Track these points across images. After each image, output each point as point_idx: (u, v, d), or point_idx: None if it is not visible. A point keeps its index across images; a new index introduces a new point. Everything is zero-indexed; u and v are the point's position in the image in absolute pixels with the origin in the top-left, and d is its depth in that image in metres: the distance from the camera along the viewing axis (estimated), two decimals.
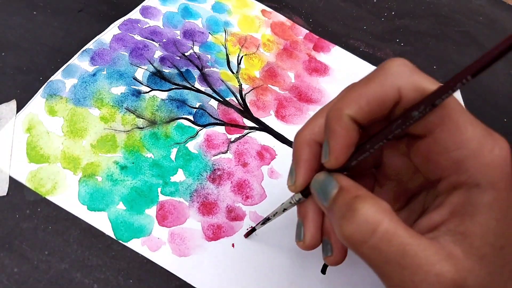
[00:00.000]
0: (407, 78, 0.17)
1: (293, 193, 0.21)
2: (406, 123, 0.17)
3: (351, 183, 0.18)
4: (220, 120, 0.32)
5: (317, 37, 0.39)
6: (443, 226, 0.17)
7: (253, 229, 0.27)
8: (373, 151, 0.18)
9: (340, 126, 0.18)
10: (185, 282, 0.25)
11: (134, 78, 0.32)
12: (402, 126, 0.17)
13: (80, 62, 0.32)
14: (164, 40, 0.35)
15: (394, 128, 0.17)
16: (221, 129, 0.31)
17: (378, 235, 0.16)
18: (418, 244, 0.16)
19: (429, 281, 0.15)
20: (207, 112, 0.32)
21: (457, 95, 0.38)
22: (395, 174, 0.21)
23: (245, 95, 0.34)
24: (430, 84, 0.17)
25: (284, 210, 0.23)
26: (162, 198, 0.28)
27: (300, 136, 0.20)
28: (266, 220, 0.25)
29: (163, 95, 0.32)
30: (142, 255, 0.26)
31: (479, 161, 0.16)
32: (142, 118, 0.31)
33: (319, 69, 0.37)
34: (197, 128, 0.31)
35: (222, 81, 0.34)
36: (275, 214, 0.24)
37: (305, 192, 0.20)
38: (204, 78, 0.34)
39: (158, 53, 0.34)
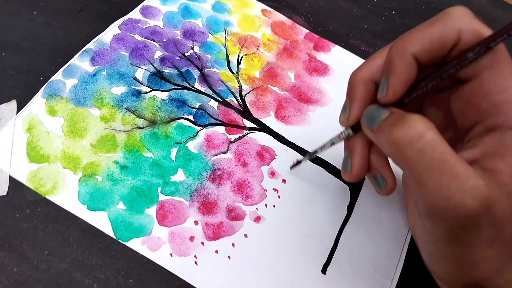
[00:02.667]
0: (468, 22, 0.19)
1: (343, 128, 0.24)
2: (461, 63, 0.18)
3: (400, 110, 0.19)
4: (220, 121, 0.32)
5: (318, 36, 0.39)
6: (474, 164, 0.19)
7: (298, 162, 0.29)
8: (426, 89, 0.19)
9: (402, 63, 0.19)
10: (185, 281, 0.26)
11: (134, 78, 0.32)
12: (456, 66, 0.18)
13: (81, 62, 0.32)
14: (164, 40, 0.35)
15: (449, 68, 0.19)
16: (221, 129, 0.32)
17: (425, 141, 0.17)
18: (458, 157, 0.17)
19: (465, 189, 0.16)
20: (207, 113, 0.32)
21: None
22: None
23: (245, 96, 0.34)
24: (487, 31, 0.18)
25: (332, 144, 0.25)
26: (162, 197, 0.28)
27: (357, 74, 0.22)
28: (314, 153, 0.27)
29: (163, 95, 0.32)
30: (142, 255, 0.26)
31: None
32: (142, 118, 0.31)
33: (319, 69, 0.37)
34: (197, 128, 0.31)
35: (222, 81, 0.34)
36: (322, 147, 0.26)
37: (356, 127, 0.22)
38: (204, 78, 0.34)
39: (158, 53, 0.34)
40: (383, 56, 0.21)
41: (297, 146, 0.32)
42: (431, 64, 0.19)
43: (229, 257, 0.27)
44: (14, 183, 0.27)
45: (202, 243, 0.27)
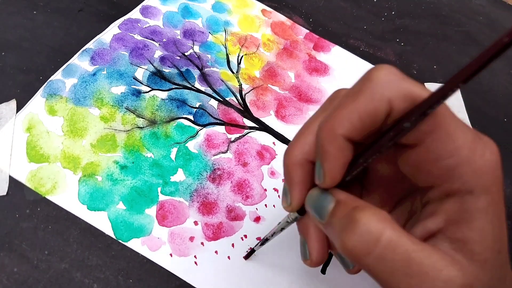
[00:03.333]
0: (396, 88, 0.16)
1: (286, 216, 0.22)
2: (398, 134, 0.16)
3: (347, 195, 0.17)
4: (220, 120, 0.32)
5: (317, 36, 0.39)
6: (440, 234, 0.17)
7: (252, 251, 0.27)
8: (367, 165, 0.18)
9: (333, 148, 0.17)
10: (184, 281, 0.25)
11: (134, 78, 0.32)
12: (394, 138, 0.16)
13: (80, 61, 0.32)
14: (164, 39, 0.35)
15: (386, 141, 0.17)
16: (221, 128, 0.31)
17: (382, 245, 0.15)
18: (422, 250, 0.15)
19: (442, 282, 0.15)
20: (207, 112, 0.32)
21: (457, 94, 0.38)
22: (382, 180, 0.21)
23: (245, 95, 0.34)
24: (420, 91, 0.16)
25: (282, 229, 0.23)
26: (162, 197, 0.28)
27: (290, 157, 0.19)
28: (265, 240, 0.24)
29: (163, 94, 0.32)
30: (142, 255, 0.26)
31: (471, 167, 0.16)
32: (142, 118, 0.31)
33: (319, 69, 0.37)
34: (197, 127, 0.31)
35: (222, 81, 0.34)
36: (273, 234, 0.23)
37: (302, 210, 0.20)
38: (204, 78, 0.34)
39: (158, 53, 0.34)
40: (312, 132, 0.19)
41: None
42: (367, 137, 0.18)
43: (228, 257, 0.27)
44: (14, 183, 0.27)
45: (202, 243, 0.27)
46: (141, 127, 0.30)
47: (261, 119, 0.33)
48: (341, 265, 0.21)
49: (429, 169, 0.17)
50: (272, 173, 0.30)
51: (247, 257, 0.27)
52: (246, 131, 0.32)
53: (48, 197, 0.27)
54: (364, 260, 0.15)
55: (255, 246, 0.26)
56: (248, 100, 0.33)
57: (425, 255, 0.15)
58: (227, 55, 0.36)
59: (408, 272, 0.15)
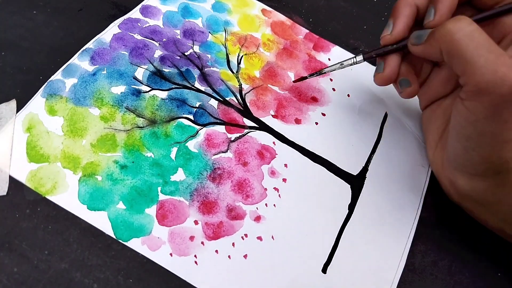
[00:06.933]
0: None
1: (353, 56, 0.31)
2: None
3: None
4: (220, 120, 0.32)
5: (317, 36, 0.39)
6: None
7: (304, 77, 0.33)
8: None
9: None
10: (185, 281, 0.25)
11: (134, 78, 0.32)
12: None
13: (80, 61, 0.32)
14: (164, 39, 0.35)
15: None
16: (221, 128, 0.31)
17: (472, 27, 0.21)
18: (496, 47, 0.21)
19: (510, 65, 0.20)
20: (207, 112, 0.32)
21: None
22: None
23: (245, 95, 0.34)
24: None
25: (342, 66, 0.31)
26: (162, 197, 0.28)
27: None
28: (320, 72, 0.32)
29: (163, 94, 0.32)
30: (142, 255, 0.26)
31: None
32: (142, 118, 0.31)
33: (319, 69, 0.37)
34: (197, 127, 0.31)
35: (222, 80, 0.34)
36: (331, 66, 0.32)
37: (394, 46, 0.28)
38: (204, 77, 0.34)
39: (158, 53, 0.34)
40: None
41: (298, 145, 0.32)
42: None
43: (229, 256, 0.27)
44: (14, 183, 0.27)
45: (202, 242, 0.27)
46: (141, 127, 0.30)
47: (261, 119, 0.33)
48: (399, 89, 0.29)
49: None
50: (272, 173, 0.30)
51: (296, 81, 0.34)
52: (246, 130, 0.32)
53: (48, 197, 0.27)
54: (457, 35, 0.22)
55: (309, 74, 0.33)
56: (248, 100, 0.33)
57: (499, 47, 0.21)
58: (227, 55, 0.36)
59: (489, 48, 0.21)
